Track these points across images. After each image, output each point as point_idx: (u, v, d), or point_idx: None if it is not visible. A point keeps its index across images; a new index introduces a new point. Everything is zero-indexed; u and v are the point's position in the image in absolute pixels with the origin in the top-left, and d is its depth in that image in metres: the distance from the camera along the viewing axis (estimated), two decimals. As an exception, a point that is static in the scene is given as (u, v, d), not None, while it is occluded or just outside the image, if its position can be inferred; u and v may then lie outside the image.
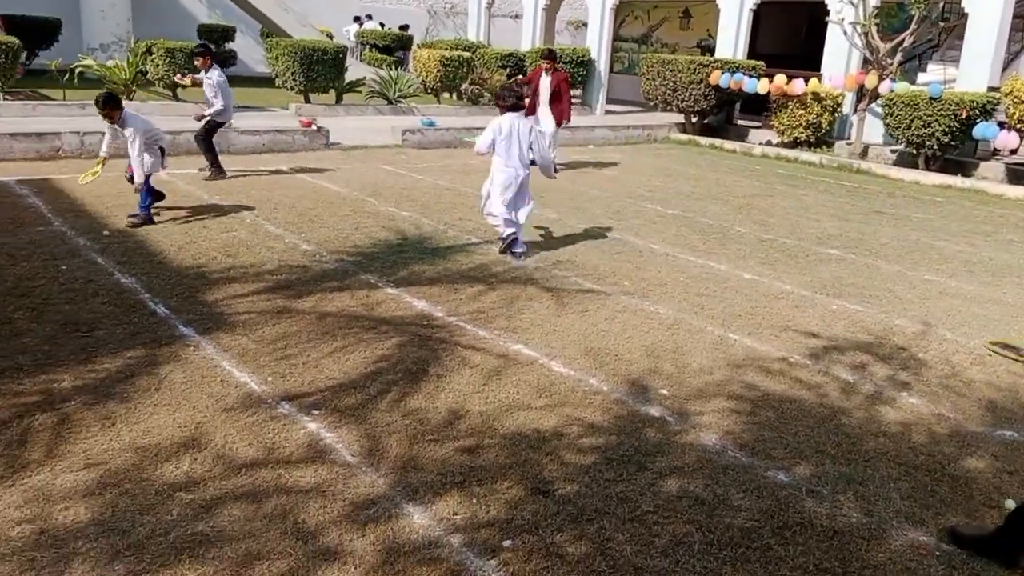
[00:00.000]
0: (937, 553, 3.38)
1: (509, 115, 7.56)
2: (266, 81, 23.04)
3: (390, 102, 18.95)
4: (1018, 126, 12.82)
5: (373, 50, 27.65)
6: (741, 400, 4.76)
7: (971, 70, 14.81)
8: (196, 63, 10.52)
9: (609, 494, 3.65)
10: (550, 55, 12.08)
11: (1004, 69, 15.93)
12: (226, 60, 21.93)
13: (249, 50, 25.63)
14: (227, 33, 24.11)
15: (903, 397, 4.95)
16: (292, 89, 17.43)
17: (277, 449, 3.88)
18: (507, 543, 3.26)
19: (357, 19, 28.52)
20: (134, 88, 14.94)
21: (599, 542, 3.30)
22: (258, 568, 3.02)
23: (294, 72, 17.01)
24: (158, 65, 15.08)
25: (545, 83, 11.81)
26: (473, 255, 7.53)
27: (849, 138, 16.47)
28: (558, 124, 11.94)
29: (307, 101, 17.62)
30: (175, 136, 11.92)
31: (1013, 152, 14.69)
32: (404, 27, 29.06)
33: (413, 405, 4.43)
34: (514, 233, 7.57)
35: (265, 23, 22.26)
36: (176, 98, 15.92)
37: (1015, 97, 12.73)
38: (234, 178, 10.36)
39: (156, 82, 15.45)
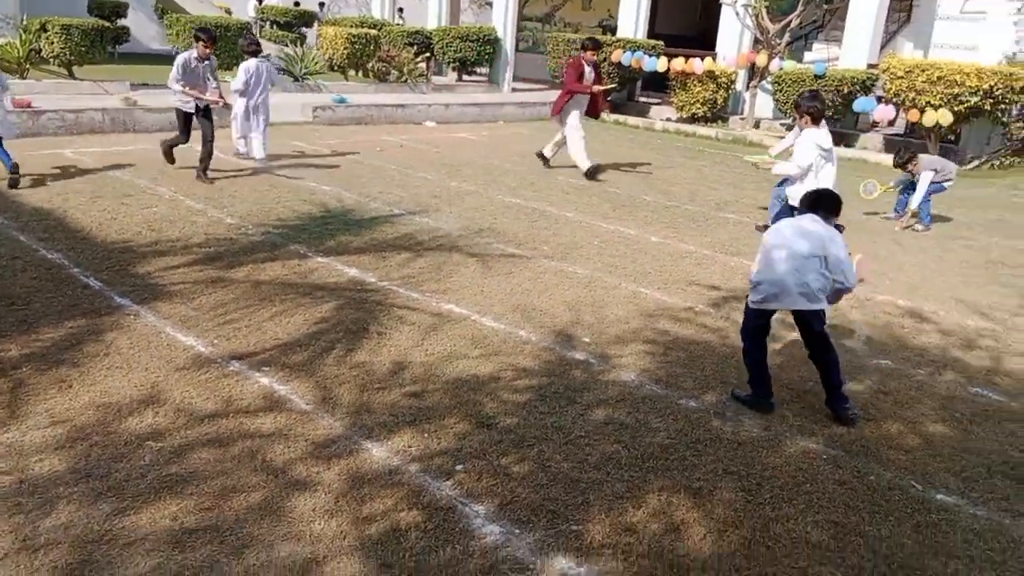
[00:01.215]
0: (824, 456, 3.98)
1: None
2: (163, 58, 22.37)
3: (296, 79, 18.78)
4: (894, 100, 13.94)
5: (274, 27, 27.15)
6: (654, 344, 5.29)
7: (852, 49, 15.95)
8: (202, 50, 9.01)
9: (545, 424, 4.10)
10: (595, 44, 11.01)
11: (882, 48, 17.18)
12: (119, 37, 21.16)
13: (142, 26, 24.71)
14: (119, 9, 23.17)
15: (792, 335, 5.57)
16: (195, 66, 17.03)
17: (235, 401, 4.14)
18: (459, 467, 3.65)
19: (256, -6, 27.88)
20: (27, 67, 14.35)
21: (540, 462, 3.73)
22: (235, 500, 3.31)
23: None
24: (53, 43, 14.51)
25: (590, 76, 10.80)
26: (397, 225, 7.82)
27: (742, 113, 17.44)
28: (596, 117, 11.85)
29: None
30: (77, 115, 11.67)
31: (890, 124, 15.94)
32: (296, 3, 28.61)
33: (358, 359, 4.75)
34: None
35: (160, -2, 21.59)
36: (72, 76, 15.36)
37: (892, 73, 13.83)
38: (148, 157, 10.24)
39: (51, 60, 14.85)
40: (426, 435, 3.92)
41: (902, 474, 3.86)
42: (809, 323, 4.38)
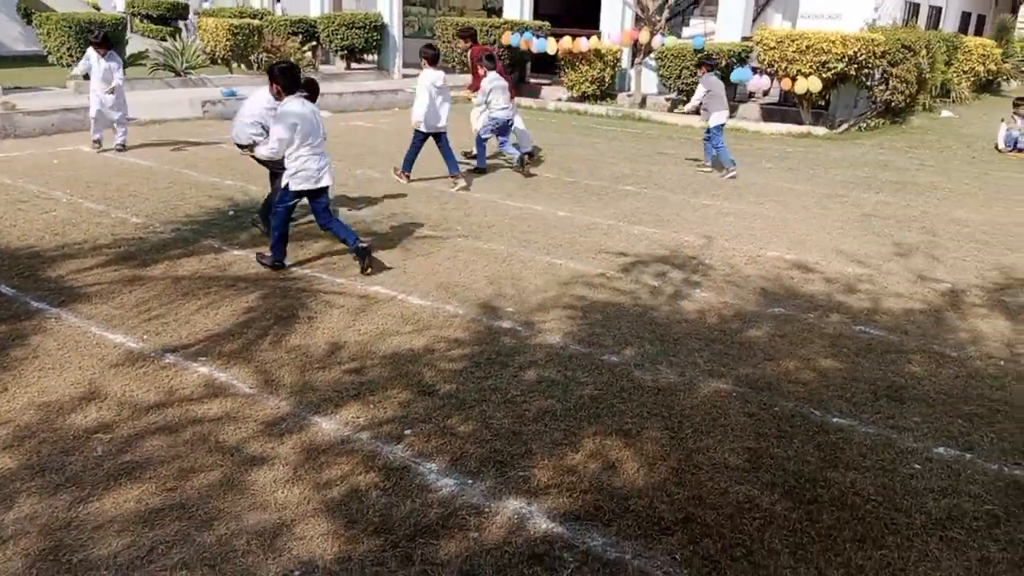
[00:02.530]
0: (733, 394, 4.42)
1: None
2: (29, 60, 21.19)
3: (178, 74, 18.21)
4: (768, 70, 14.81)
5: (146, 21, 26.07)
6: (573, 309, 5.64)
7: (727, 22, 16.80)
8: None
9: (482, 387, 4.37)
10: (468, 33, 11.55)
11: (754, 20, 18.15)
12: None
13: (4, 28, 23.33)
14: (-24, 8, 21.78)
15: (697, 292, 6.06)
16: (69, 66, 16.29)
17: (177, 391, 4.21)
18: (407, 432, 3.88)
19: (124, -13, 26.64)
20: None
21: (482, 420, 4.00)
22: (196, 479, 3.43)
23: (70, 48, 15.96)
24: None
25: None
26: (309, 215, 7.85)
27: (629, 90, 18.08)
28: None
29: (86, 78, 16.55)
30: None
31: (766, 93, 16.90)
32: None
33: (293, 343, 4.88)
34: None
35: (21, -5, 20.40)
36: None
37: (764, 44, 14.67)
38: (34, 161, 9.84)
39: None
40: (371, 406, 4.12)
41: (801, 403, 4.34)
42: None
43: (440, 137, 9.41)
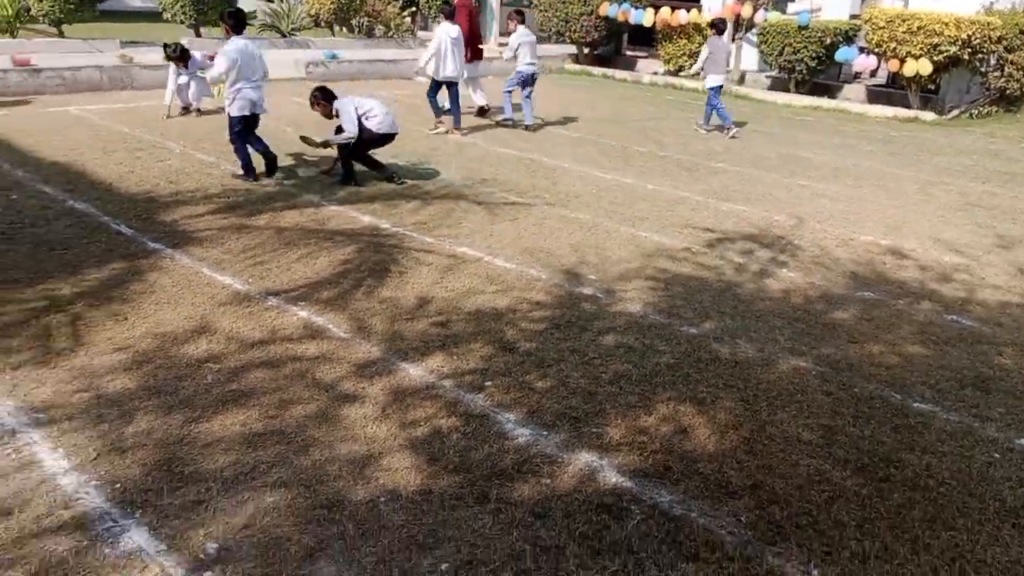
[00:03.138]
0: (813, 372, 4.43)
1: None
2: (144, 15, 22.25)
3: (283, 35, 18.82)
4: (876, 50, 14.26)
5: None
6: (655, 280, 5.71)
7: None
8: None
9: (561, 348, 4.51)
10: None
11: (863, -1, 17.44)
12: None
13: (125, -17, 24.45)
14: (101, -35, 22.92)
15: (783, 272, 6.03)
16: (182, 23, 17.08)
17: (279, 331, 4.52)
18: (488, 383, 4.07)
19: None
20: (17, 26, 14.37)
21: (559, 379, 4.16)
22: (293, 409, 3.71)
23: (183, 5, 16.68)
24: (42, 1, 14.50)
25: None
26: (404, 177, 8.13)
27: (728, 66, 17.68)
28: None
29: (198, 35, 17.33)
30: (75, 73, 11.79)
31: (872, 74, 16.29)
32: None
33: (384, 295, 5.13)
34: None
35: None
36: (62, 35, 15.37)
37: (873, 24, 14.12)
38: (147, 115, 10.45)
39: (40, 19, 14.86)
40: (455, 357, 4.32)
41: (883, 386, 4.32)
42: None
43: (451, 87, 10.34)
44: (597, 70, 18.45)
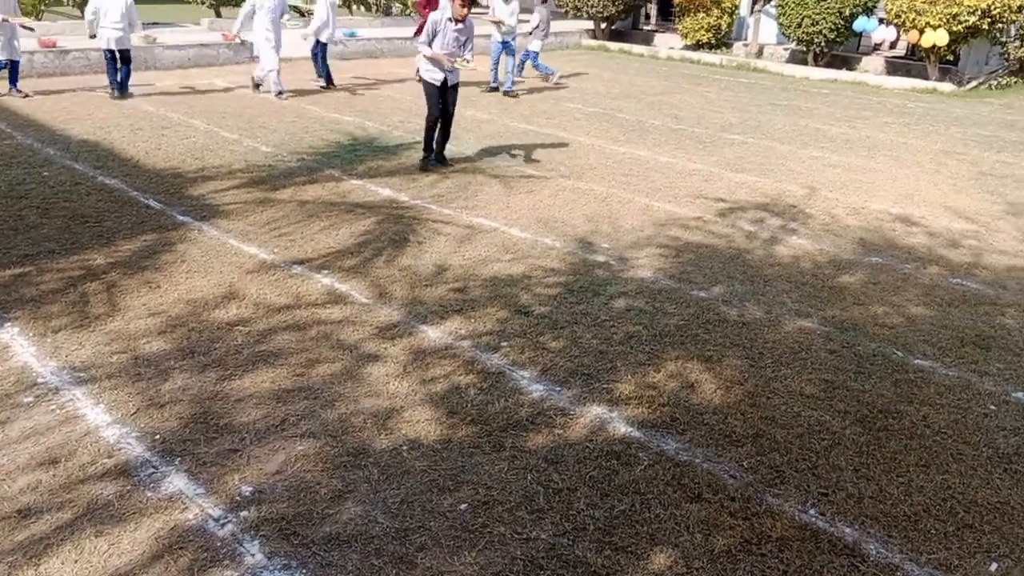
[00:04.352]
0: (817, 332, 4.58)
1: None
2: (168, -2, 22.40)
3: (302, 14, 18.92)
4: (895, 21, 14.18)
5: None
6: (667, 248, 5.85)
7: (853, -29, 16.04)
8: None
9: (574, 311, 4.69)
10: None
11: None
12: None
13: (144, -35, 24.60)
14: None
15: (793, 239, 6.15)
16: (203, 3, 17.26)
17: (303, 296, 4.73)
18: (504, 344, 4.26)
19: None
20: (42, 8, 14.62)
21: (572, 339, 4.34)
22: (320, 368, 3.93)
23: (205, -14, 16.82)
24: (66, -17, 14.73)
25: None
26: (420, 151, 8.29)
27: (746, 39, 17.64)
28: None
29: (218, 15, 17.50)
30: (101, 54, 12.00)
31: (892, 46, 16.18)
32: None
33: (404, 263, 5.32)
34: None
35: (162, -64, 21.46)
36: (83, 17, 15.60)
37: (892, -6, 14.03)
38: (171, 94, 10.67)
39: (65, 2, 15.09)
40: (472, 320, 4.51)
41: (885, 344, 4.46)
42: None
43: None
44: (614, 45, 18.45)
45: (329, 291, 4.83)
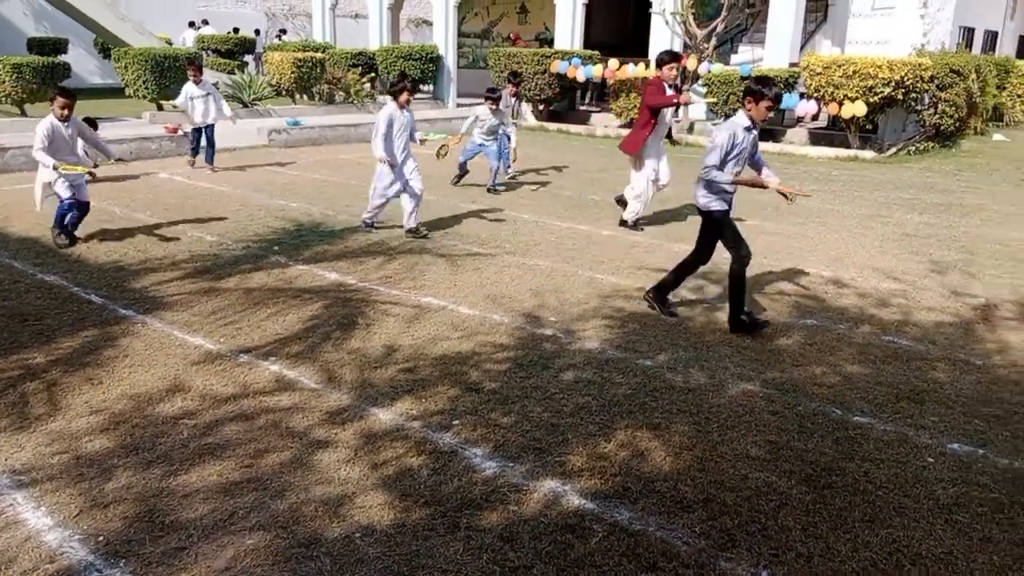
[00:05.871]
0: (760, 394, 4.70)
1: None
2: (104, 92, 22.53)
3: (245, 105, 19.18)
4: (815, 95, 14.99)
5: (215, 55, 27.37)
6: (612, 319, 5.99)
7: (774, 49, 17.04)
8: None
9: (524, 386, 4.74)
10: (674, 56, 8.93)
11: (802, 47, 18.33)
12: (62, 73, 21.31)
13: (82, 62, 24.82)
14: (59, 45, 23.29)
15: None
16: (144, 97, 17.38)
17: (251, 385, 4.69)
18: (455, 422, 4.28)
19: (192, 24, 28.05)
20: (-21, 106, 14.56)
21: (523, 414, 4.38)
22: (269, 458, 3.88)
23: (145, 80, 17.00)
24: (4, 82, 14.72)
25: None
26: (367, 234, 8.40)
27: (677, 116, 18.39)
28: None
29: (160, 109, 17.62)
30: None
31: (814, 118, 17.05)
32: (236, 30, 28.95)
33: (353, 346, 5.33)
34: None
35: (100, 33, 21.73)
36: (24, 114, 15.55)
37: (811, 70, 14.87)
38: (118, 185, 10.64)
39: (3, 99, 15.05)
40: (423, 400, 4.53)
41: (825, 403, 4.61)
42: None
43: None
44: (553, 126, 19.06)
45: (277, 378, 4.80)
